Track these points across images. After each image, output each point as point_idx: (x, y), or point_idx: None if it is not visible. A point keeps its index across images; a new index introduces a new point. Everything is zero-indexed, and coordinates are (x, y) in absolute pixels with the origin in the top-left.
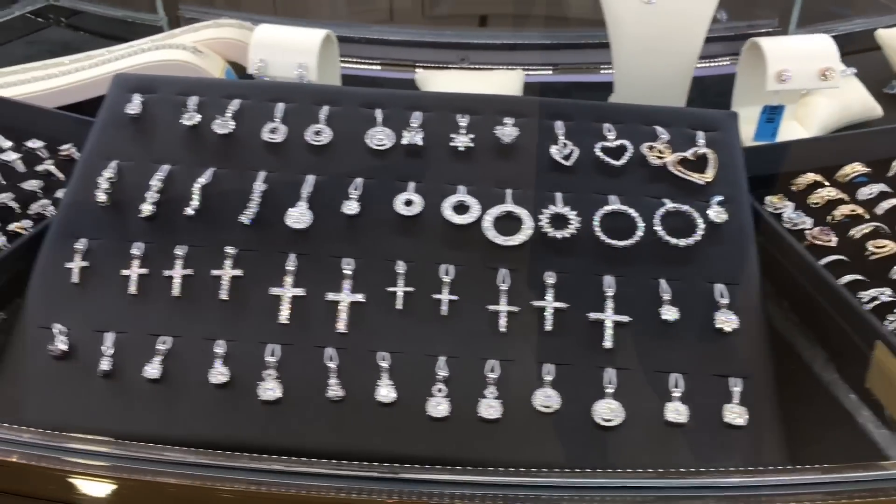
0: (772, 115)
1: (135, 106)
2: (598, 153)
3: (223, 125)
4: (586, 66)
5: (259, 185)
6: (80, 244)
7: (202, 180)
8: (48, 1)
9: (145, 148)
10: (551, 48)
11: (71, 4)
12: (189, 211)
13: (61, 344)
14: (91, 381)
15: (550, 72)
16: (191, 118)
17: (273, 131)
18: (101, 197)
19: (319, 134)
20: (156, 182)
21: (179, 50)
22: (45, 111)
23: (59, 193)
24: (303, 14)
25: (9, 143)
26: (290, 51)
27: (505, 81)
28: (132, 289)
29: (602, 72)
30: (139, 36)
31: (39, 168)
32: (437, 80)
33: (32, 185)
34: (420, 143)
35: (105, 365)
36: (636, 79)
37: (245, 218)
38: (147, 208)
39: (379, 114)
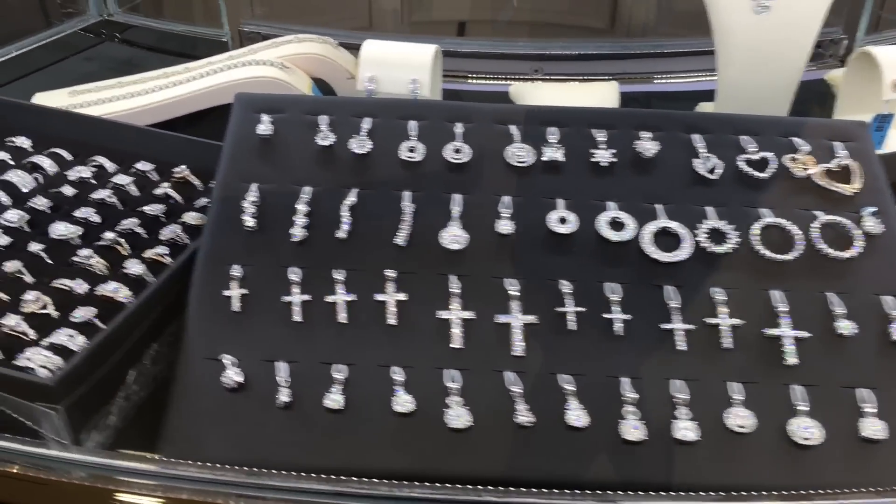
0: (881, 123)
1: (266, 127)
2: (742, 166)
3: (360, 144)
4: (643, 76)
5: (408, 206)
6: (236, 271)
7: (349, 201)
8: (102, 16)
9: (283, 170)
10: (613, 58)
11: (125, 19)
12: (341, 234)
13: (235, 376)
14: (270, 413)
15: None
16: (325, 138)
17: (412, 150)
18: (250, 222)
19: (459, 152)
20: (302, 205)
21: (267, 66)
22: (149, 131)
23: (187, 217)
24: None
25: (114, 166)
26: (403, 66)
27: (604, 93)
28: (296, 316)
29: (656, 81)
30: (199, 51)
31: (158, 192)
32: (535, 93)
33: (154, 209)
34: (561, 158)
35: (284, 396)
36: (741, 89)
37: (400, 239)
38: (299, 232)
39: (515, 130)
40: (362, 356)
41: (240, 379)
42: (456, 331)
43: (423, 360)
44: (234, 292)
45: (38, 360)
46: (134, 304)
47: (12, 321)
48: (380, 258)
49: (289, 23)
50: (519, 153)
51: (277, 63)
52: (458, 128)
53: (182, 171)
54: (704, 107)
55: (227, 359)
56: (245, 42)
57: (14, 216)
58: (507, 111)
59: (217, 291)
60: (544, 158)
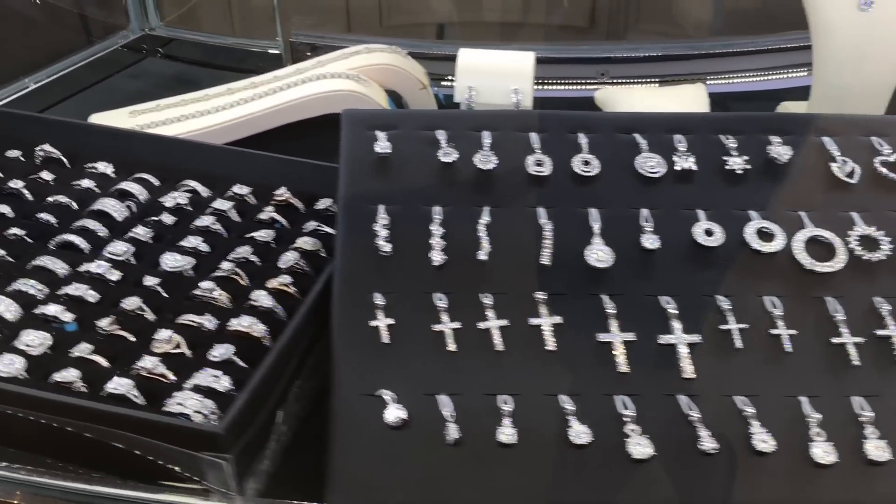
0: None
1: (384, 145)
2: (880, 168)
3: (486, 159)
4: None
5: (546, 223)
6: (378, 299)
7: (484, 220)
8: (143, 30)
9: (408, 189)
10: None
11: (167, 33)
12: (482, 255)
13: (398, 412)
14: (440, 451)
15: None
16: (448, 154)
17: (539, 163)
18: (385, 247)
19: (588, 164)
20: (436, 227)
21: (344, 79)
22: (244, 152)
23: (301, 243)
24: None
25: (207, 191)
26: (504, 76)
27: (694, 95)
28: (450, 345)
29: (710, 82)
30: (248, 64)
31: (263, 216)
32: (625, 98)
33: (264, 235)
34: (693, 167)
35: (453, 432)
36: (839, 88)
37: (545, 259)
38: (438, 256)
39: (640, 138)
40: (526, 385)
41: (403, 415)
42: (620, 354)
43: (591, 387)
44: (381, 322)
45: (191, 406)
46: (283, 341)
47: (149, 363)
48: (525, 280)
49: (337, 32)
50: (650, 163)
51: (353, 75)
52: (583, 139)
53: (283, 193)
54: (788, 106)
55: (386, 395)
56: (296, 54)
57: (120, 248)
58: (630, 119)
59: (362, 322)
60: (676, 168)
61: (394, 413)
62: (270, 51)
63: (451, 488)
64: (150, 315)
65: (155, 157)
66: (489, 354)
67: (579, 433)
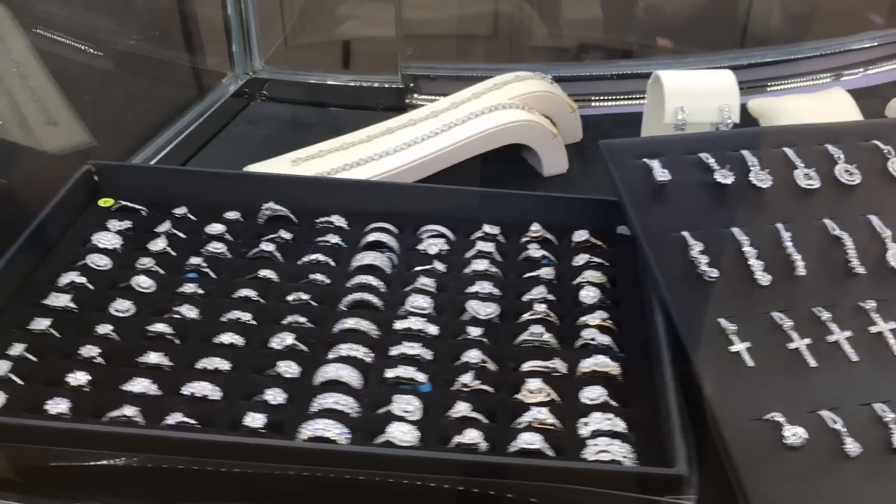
0: None
1: (662, 172)
2: None
3: (761, 178)
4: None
5: (840, 233)
6: (726, 324)
7: (787, 236)
8: (248, 74)
9: (701, 213)
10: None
11: (270, 75)
12: (800, 271)
13: (799, 432)
14: (843, 465)
15: None
16: (726, 176)
17: (808, 177)
18: (713, 273)
19: (851, 173)
20: (749, 248)
21: (516, 110)
22: (488, 192)
23: (588, 277)
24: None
25: (451, 234)
26: (711, 94)
27: (839, 100)
28: (811, 361)
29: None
30: (367, 100)
31: (534, 254)
32: (782, 106)
33: (548, 273)
34: None
35: (854, 446)
36: None
37: (859, 267)
38: (765, 276)
39: (882, 145)
40: (893, 392)
41: (805, 435)
42: None
43: None
44: (740, 346)
45: (615, 451)
46: (665, 372)
47: (540, 414)
48: (848, 289)
49: (446, 62)
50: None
51: (517, 105)
52: (833, 150)
53: (539, 230)
54: None
55: (778, 417)
56: (408, 87)
57: (421, 302)
58: (869, 127)
59: (721, 349)
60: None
61: (794, 433)
62: (388, 85)
63: (860, 502)
64: (492, 365)
65: (384, 204)
66: (846, 366)
67: None
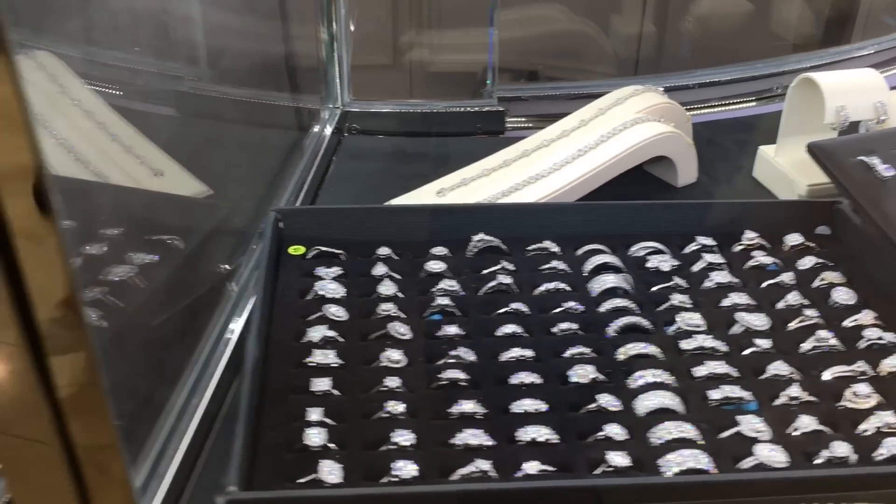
0: None
1: (886, 168)
2: None
3: None
4: None
5: None
6: None
7: None
8: (338, 107)
9: None
10: None
11: (360, 108)
12: None
13: None
14: None
15: None
16: None
17: None
18: None
19: None
20: None
21: (655, 122)
22: (699, 204)
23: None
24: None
25: (658, 246)
26: (866, 92)
27: None
28: None
29: None
30: (464, 126)
31: (763, 261)
32: None
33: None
34: None
35: None
36: None
37: None
38: None
39: None
40: None
41: None
42: None
43: None
44: None
45: None
46: None
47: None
48: None
49: (532, 83)
50: None
51: (652, 117)
52: None
53: (755, 237)
54: None
55: None
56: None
57: (697, 320)
58: None
59: None
60: None
61: None
62: (485, 108)
63: None
64: (797, 375)
65: (590, 226)
66: None
67: None
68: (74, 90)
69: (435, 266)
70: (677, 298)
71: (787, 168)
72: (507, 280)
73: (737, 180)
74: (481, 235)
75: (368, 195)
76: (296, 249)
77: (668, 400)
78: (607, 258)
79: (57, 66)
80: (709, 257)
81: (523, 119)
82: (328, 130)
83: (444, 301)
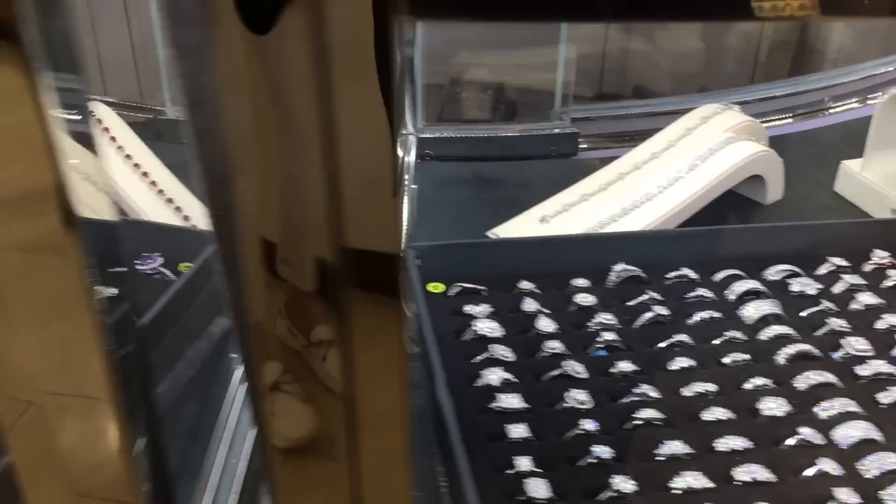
0: None
1: None
2: None
3: None
4: None
5: None
6: None
7: None
8: (415, 136)
9: None
10: None
11: (433, 133)
12: None
13: None
14: None
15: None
16: None
17: None
18: None
19: None
20: None
21: (748, 141)
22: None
23: None
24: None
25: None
26: None
27: None
28: None
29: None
30: (538, 149)
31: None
32: None
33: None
34: None
35: None
36: None
37: None
38: None
39: None
40: None
41: None
42: None
43: None
44: None
45: None
46: None
47: None
48: None
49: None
50: None
51: (742, 136)
52: None
53: (887, 255)
54: None
55: None
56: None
57: (863, 345)
58: None
59: None
60: None
61: None
62: (557, 131)
63: None
64: None
65: (728, 249)
66: None
67: None
68: None
69: (585, 299)
70: (835, 323)
71: (877, 183)
72: (663, 311)
73: (819, 196)
74: (622, 265)
75: (465, 224)
76: (435, 287)
77: (872, 432)
78: (750, 283)
79: None
80: (848, 278)
81: (595, 139)
82: (411, 158)
83: (609, 336)
